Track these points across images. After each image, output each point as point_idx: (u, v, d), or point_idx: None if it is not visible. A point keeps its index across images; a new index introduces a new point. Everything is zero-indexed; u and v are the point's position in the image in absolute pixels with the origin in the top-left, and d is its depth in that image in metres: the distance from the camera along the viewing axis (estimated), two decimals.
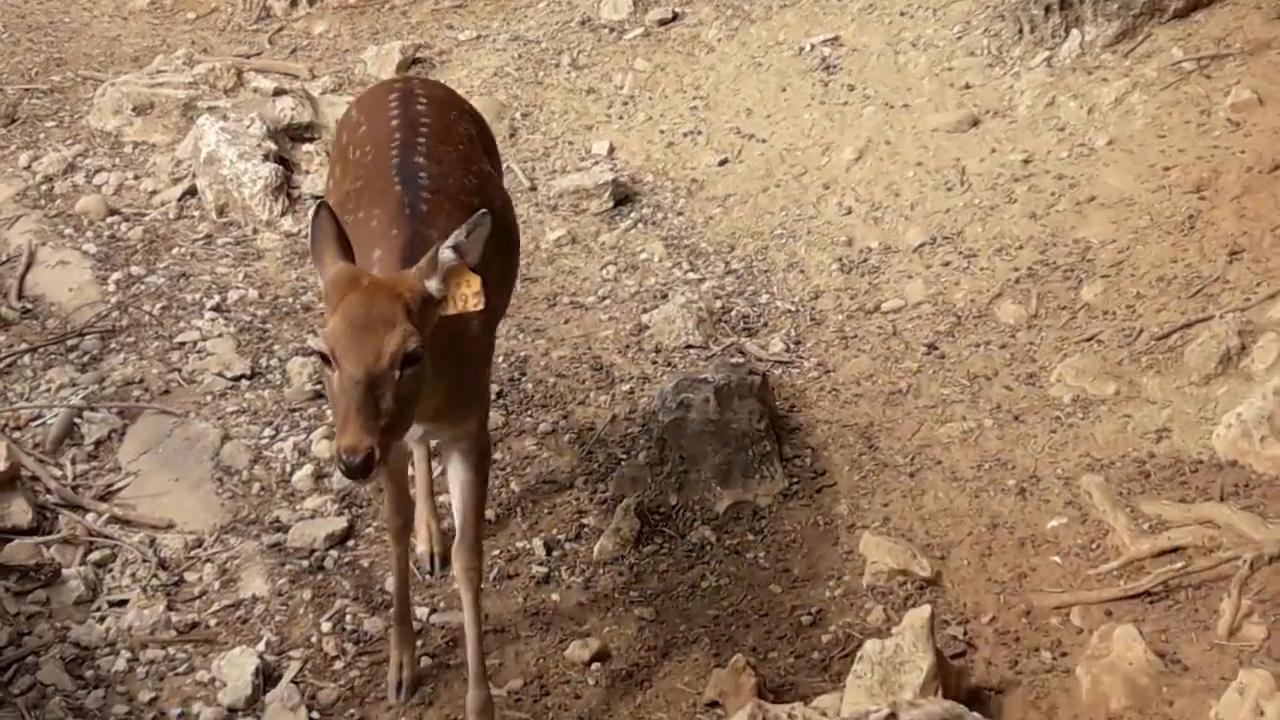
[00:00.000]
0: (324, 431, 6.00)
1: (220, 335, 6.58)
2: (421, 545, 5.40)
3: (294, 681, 4.97)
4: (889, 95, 7.84)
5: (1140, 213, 6.65)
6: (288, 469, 5.88)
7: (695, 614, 5.23)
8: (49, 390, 6.23)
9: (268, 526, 5.62)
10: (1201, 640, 4.77)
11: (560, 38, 9.06)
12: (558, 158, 7.93)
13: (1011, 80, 7.63)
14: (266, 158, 7.55)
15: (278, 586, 5.33)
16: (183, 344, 6.53)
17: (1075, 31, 7.59)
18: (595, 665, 5.03)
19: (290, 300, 6.88)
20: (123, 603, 5.28)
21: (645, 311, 6.75)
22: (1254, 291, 6.03)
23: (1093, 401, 5.89)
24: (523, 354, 6.53)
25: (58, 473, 5.82)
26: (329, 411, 6.11)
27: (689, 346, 6.51)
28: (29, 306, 6.77)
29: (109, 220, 7.41)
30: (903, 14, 8.30)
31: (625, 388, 6.29)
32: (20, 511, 5.49)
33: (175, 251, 7.21)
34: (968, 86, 7.73)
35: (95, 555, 5.47)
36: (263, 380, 6.36)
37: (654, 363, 6.44)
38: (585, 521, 5.66)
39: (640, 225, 7.37)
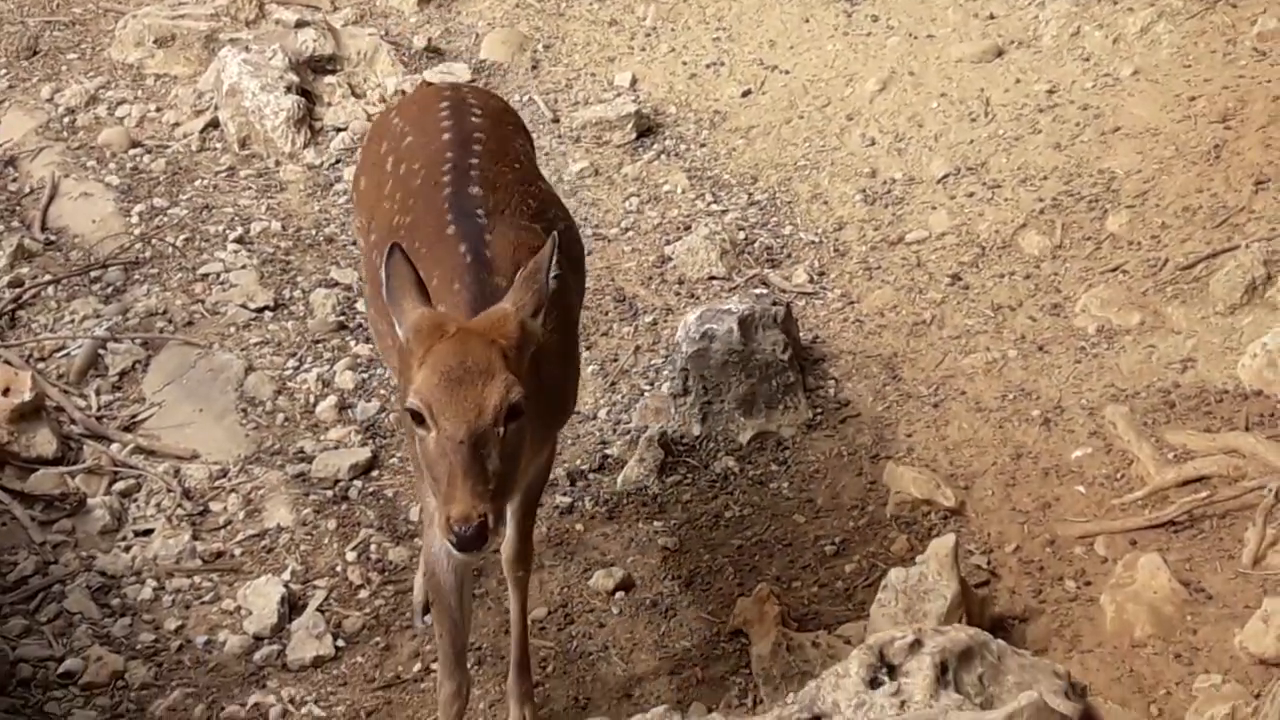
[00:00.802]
0: (347, 363, 6.02)
1: (244, 267, 6.57)
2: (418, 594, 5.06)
3: (319, 610, 5.01)
4: (913, 26, 7.77)
5: (1165, 143, 6.61)
6: (311, 400, 5.90)
7: (719, 544, 5.24)
8: (73, 321, 6.24)
9: (292, 457, 5.65)
10: (1226, 569, 4.78)
11: None
12: (580, 89, 7.88)
13: (1036, 10, 7.56)
14: (289, 90, 7.51)
15: (302, 516, 5.37)
16: (206, 275, 6.53)
17: None
18: (619, 594, 5.06)
19: (313, 232, 6.87)
20: (148, 532, 5.33)
21: (668, 243, 6.72)
22: None
23: (1117, 332, 5.87)
24: None
25: (82, 403, 5.85)
26: (352, 343, 6.13)
27: (712, 278, 6.49)
28: (52, 238, 6.77)
29: (131, 152, 7.40)
30: None
31: (649, 319, 6.29)
32: (45, 442, 5.53)
33: (198, 184, 7.20)
34: (992, 17, 7.67)
35: (120, 485, 5.51)
36: (286, 312, 6.36)
37: (677, 294, 6.43)
38: (609, 452, 5.67)
39: (663, 157, 7.34)
